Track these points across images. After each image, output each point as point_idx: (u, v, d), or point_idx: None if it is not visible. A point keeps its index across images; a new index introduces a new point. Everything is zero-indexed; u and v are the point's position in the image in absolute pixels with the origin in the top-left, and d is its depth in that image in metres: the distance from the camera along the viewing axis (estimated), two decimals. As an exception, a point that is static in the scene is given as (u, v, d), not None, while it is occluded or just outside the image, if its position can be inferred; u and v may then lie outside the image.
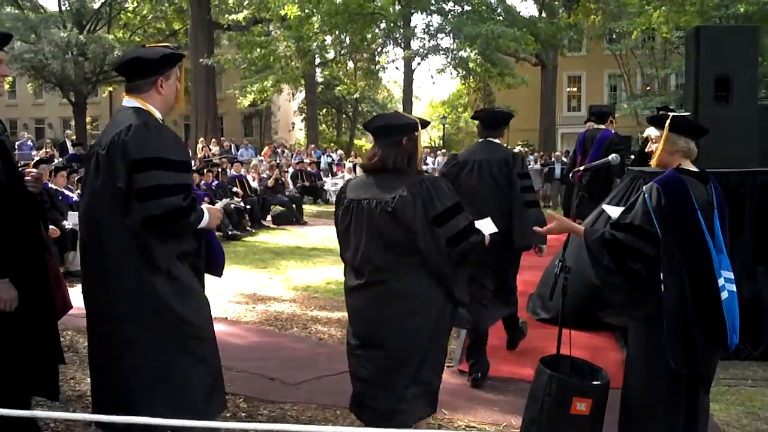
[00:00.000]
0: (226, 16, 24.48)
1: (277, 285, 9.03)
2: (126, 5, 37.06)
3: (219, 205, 3.55)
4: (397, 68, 21.89)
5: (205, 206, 3.29)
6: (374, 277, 3.48)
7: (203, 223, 3.24)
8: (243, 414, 4.59)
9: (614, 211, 3.98)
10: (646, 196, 3.63)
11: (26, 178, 3.57)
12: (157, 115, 3.25)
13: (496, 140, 5.93)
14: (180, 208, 3.08)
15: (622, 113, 28.60)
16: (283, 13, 21.82)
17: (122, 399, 3.12)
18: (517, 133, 34.04)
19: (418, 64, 22.36)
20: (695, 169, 3.72)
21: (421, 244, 3.39)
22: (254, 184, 16.97)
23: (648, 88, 35.74)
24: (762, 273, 5.92)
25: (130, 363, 3.09)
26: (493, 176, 5.64)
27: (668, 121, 3.75)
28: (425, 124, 3.78)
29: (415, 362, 3.48)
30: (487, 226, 3.77)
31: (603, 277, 3.73)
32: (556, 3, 29.98)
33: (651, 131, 3.89)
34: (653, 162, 3.82)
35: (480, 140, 5.95)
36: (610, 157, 4.15)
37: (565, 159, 21.67)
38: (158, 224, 3.05)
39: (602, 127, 10.83)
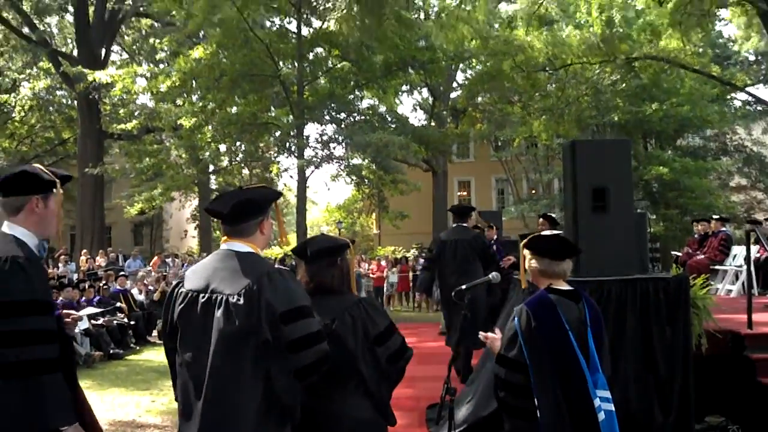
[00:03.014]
0: (116, 126, 24.18)
1: (159, 409, 8.55)
2: (13, 115, 36.03)
3: None
4: (291, 177, 21.99)
5: None
6: (309, 399, 3.39)
7: None
8: None
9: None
10: (516, 319, 3.67)
11: (66, 320, 3.38)
12: (262, 256, 3.23)
13: (465, 224, 9.41)
14: (327, 352, 3.07)
15: (509, 216, 29.62)
16: (177, 123, 21.76)
17: None
18: (411, 236, 34.64)
19: (312, 172, 22.50)
20: (567, 288, 3.78)
21: (362, 366, 3.39)
22: (140, 297, 16.42)
23: (533, 192, 37.32)
24: (652, 382, 6.02)
25: None
26: (465, 250, 8.98)
27: (523, 242, 3.83)
28: (353, 242, 3.89)
29: None
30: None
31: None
32: (444, 113, 31.18)
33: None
34: (523, 283, 3.90)
35: (454, 225, 9.48)
36: (490, 276, 4.22)
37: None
38: (312, 372, 3.04)
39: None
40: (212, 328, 2.96)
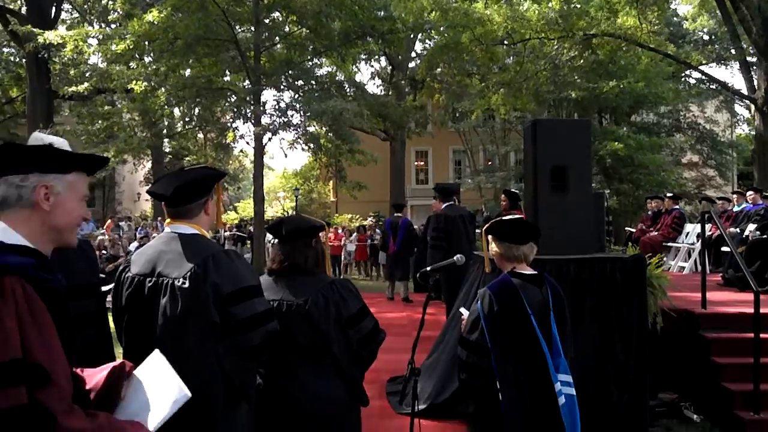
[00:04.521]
0: (66, 87, 23.44)
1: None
2: (-43, 70, 34.77)
3: None
4: (247, 143, 21.63)
5: None
6: (282, 378, 3.42)
7: None
8: None
9: (467, 314, 3.99)
10: (479, 302, 3.68)
11: None
12: (208, 237, 3.16)
13: (454, 202, 10.66)
14: (277, 331, 3.06)
15: (466, 187, 29.77)
16: (129, 86, 21.23)
17: None
18: (368, 204, 34.63)
19: (269, 139, 22.19)
20: (530, 272, 3.78)
21: (335, 347, 3.38)
22: (94, 263, 16.10)
23: (490, 163, 37.54)
24: (608, 360, 6.07)
25: None
26: (460, 224, 10.20)
27: (484, 228, 3.83)
28: (328, 224, 3.90)
29: None
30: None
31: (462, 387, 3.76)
32: (402, 82, 31.03)
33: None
34: (487, 268, 3.90)
35: (448, 204, 10.46)
36: (455, 258, 4.16)
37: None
38: (261, 352, 3.02)
39: (400, 215, 15.81)
40: (159, 312, 2.92)
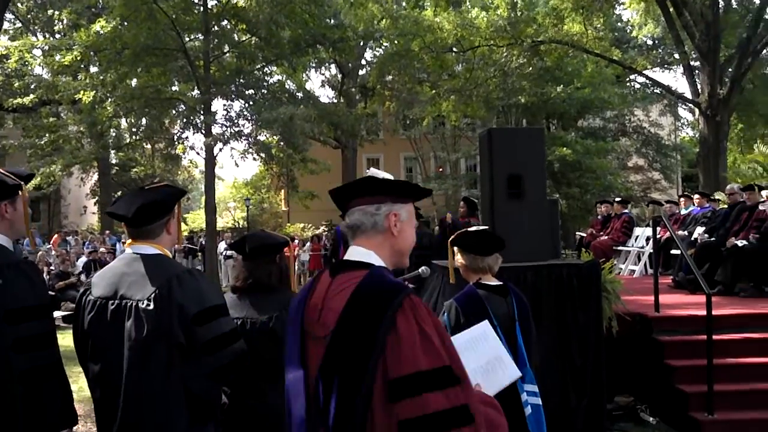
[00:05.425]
0: (11, 100, 22.89)
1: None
2: None
3: None
4: (198, 153, 21.45)
5: None
6: (251, 398, 3.38)
7: None
8: None
9: None
10: (445, 314, 3.70)
11: None
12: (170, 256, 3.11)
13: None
14: (244, 351, 3.05)
15: (418, 195, 29.86)
16: (76, 97, 20.85)
17: None
18: (321, 213, 34.49)
19: (220, 149, 22.01)
20: (495, 283, 3.82)
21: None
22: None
23: (441, 170, 37.77)
24: (567, 367, 6.15)
25: None
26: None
27: (450, 239, 3.86)
28: (292, 240, 3.88)
29: None
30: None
31: None
32: (353, 90, 31.07)
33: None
34: (451, 278, 3.94)
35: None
36: (420, 270, 4.18)
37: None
38: (229, 372, 3.02)
39: None
40: (124, 335, 2.86)
